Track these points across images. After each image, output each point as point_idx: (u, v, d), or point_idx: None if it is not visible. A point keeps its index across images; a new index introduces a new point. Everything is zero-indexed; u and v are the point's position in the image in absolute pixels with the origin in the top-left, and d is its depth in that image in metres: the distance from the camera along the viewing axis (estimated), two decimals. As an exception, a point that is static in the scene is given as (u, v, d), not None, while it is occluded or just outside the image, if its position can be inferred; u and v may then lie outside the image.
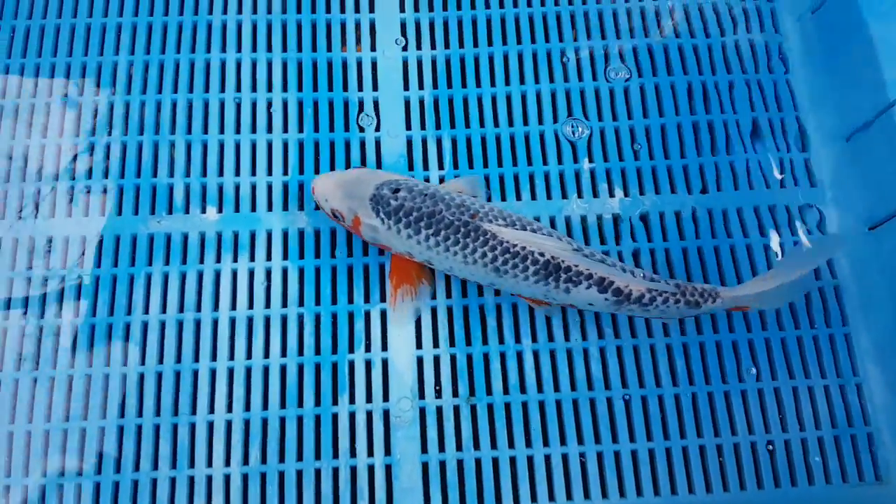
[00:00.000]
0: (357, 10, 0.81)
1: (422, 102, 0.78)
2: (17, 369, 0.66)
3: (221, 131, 0.75)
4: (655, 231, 0.74)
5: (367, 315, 0.70)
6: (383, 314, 0.70)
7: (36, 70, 0.75)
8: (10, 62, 0.76)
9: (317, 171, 0.75)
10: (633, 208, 0.75)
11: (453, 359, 0.69)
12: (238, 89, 0.76)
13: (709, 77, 0.80)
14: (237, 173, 0.74)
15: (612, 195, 0.76)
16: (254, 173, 0.74)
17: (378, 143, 0.76)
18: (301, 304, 0.70)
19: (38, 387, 0.66)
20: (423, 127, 0.77)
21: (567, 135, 0.77)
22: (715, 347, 0.71)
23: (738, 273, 0.73)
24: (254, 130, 0.75)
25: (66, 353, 0.67)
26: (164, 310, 0.69)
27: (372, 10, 0.81)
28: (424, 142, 0.76)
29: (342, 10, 0.80)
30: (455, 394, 0.68)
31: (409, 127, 0.77)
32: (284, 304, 0.70)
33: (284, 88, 0.77)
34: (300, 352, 0.69)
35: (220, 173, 0.74)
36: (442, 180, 0.75)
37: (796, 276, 0.65)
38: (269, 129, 0.76)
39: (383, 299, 0.71)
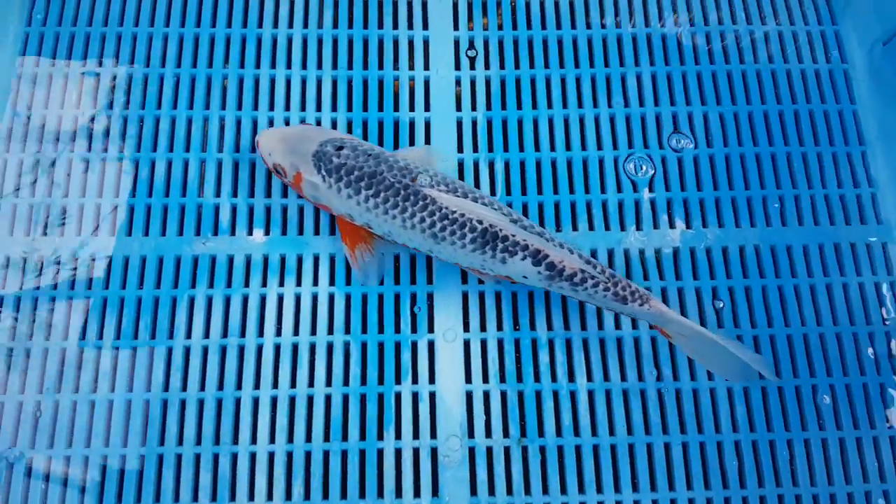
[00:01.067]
0: (410, 26, 0.78)
1: (474, 124, 0.75)
2: (57, 391, 0.64)
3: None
4: (718, 266, 0.71)
5: (414, 346, 0.68)
6: (431, 345, 0.68)
7: (79, 88, 0.74)
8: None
9: (365, 194, 0.72)
10: (696, 241, 0.72)
11: (504, 396, 0.66)
12: (287, 108, 0.74)
13: (772, 106, 0.77)
14: (284, 195, 0.72)
15: (672, 227, 0.72)
16: (301, 196, 0.72)
17: (429, 166, 0.74)
18: (347, 331, 0.68)
19: (78, 410, 0.64)
20: (475, 149, 0.75)
21: (629, 172, 0.73)
22: (777, 393, 0.67)
23: (801, 314, 0.70)
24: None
25: (107, 376, 0.65)
26: (207, 334, 0.67)
27: (426, 27, 0.78)
28: (476, 165, 0.74)
29: (395, 27, 0.78)
30: (506, 433, 0.65)
31: (460, 149, 0.74)
32: (330, 332, 0.68)
33: (334, 108, 0.75)
34: (345, 381, 0.66)
35: (268, 194, 0.72)
36: (494, 207, 0.73)
37: (732, 351, 0.61)
38: (318, 149, 0.73)
39: (431, 330, 0.68)
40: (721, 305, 0.70)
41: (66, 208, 0.69)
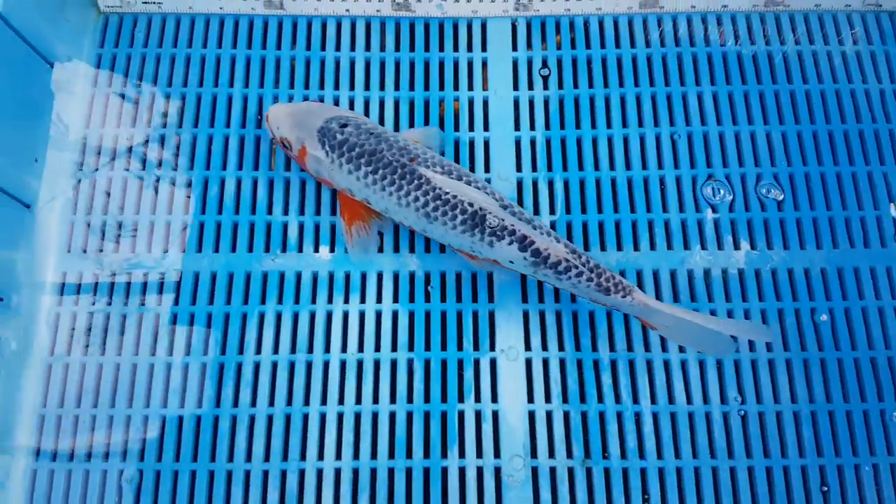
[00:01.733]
0: (469, 48, 0.79)
1: (533, 143, 0.76)
2: (128, 406, 0.66)
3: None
4: (784, 288, 0.70)
5: (477, 364, 0.68)
6: (493, 363, 0.68)
7: (150, 107, 0.77)
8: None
9: (427, 213, 0.73)
10: (761, 263, 0.71)
11: (567, 416, 0.66)
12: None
13: (837, 126, 0.76)
14: (348, 212, 0.73)
15: (737, 248, 0.72)
16: (364, 213, 0.73)
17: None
18: (411, 349, 0.69)
19: (149, 426, 0.66)
20: (534, 169, 0.75)
21: (708, 197, 0.73)
22: (845, 417, 0.66)
23: (869, 339, 0.69)
24: (365, 169, 0.75)
25: (177, 393, 0.67)
26: (276, 350, 0.68)
27: (484, 48, 0.79)
28: (535, 184, 0.74)
29: (455, 49, 0.79)
30: (569, 454, 0.65)
31: (519, 169, 0.75)
32: (394, 349, 0.69)
33: (396, 128, 0.76)
34: (409, 399, 0.67)
35: (333, 212, 0.73)
36: (553, 225, 0.73)
37: (716, 329, 0.62)
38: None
39: (493, 348, 0.69)
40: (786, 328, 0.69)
41: (137, 225, 0.72)
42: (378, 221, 0.70)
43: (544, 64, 0.78)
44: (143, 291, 0.69)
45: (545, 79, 0.77)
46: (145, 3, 0.79)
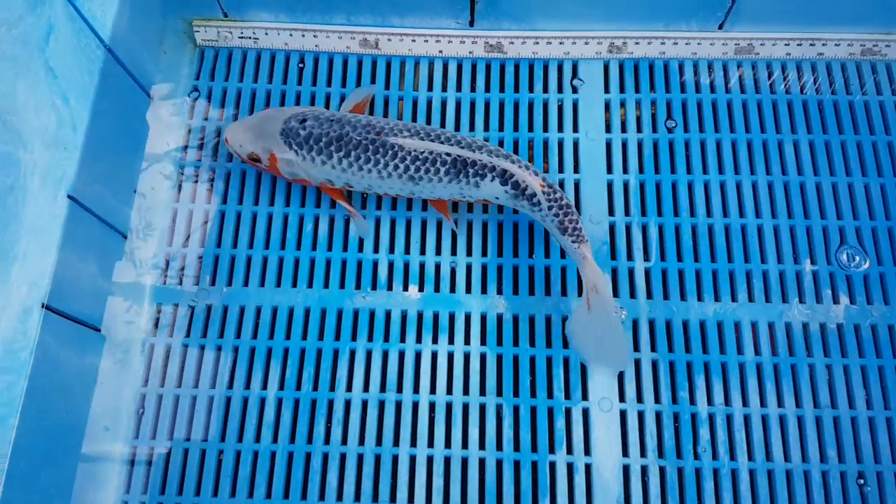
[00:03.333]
0: (560, 89, 0.79)
1: (626, 187, 0.75)
2: (220, 440, 0.67)
3: (424, 208, 0.75)
4: (884, 345, 0.68)
5: (568, 413, 0.67)
6: (585, 413, 0.67)
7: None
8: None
9: (515, 254, 0.73)
10: (861, 318, 0.69)
11: (662, 472, 0.65)
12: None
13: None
14: (438, 252, 0.73)
15: (836, 302, 0.70)
16: (454, 252, 0.73)
17: (580, 229, 0.74)
18: (499, 393, 0.68)
19: (242, 460, 0.66)
20: (626, 213, 0.74)
21: (843, 264, 0.71)
22: (957, 485, 0.64)
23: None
24: (454, 209, 0.75)
25: (269, 427, 0.67)
26: (366, 388, 0.68)
27: (575, 90, 0.79)
28: (629, 229, 0.73)
29: (545, 90, 0.79)
30: (666, 511, 0.64)
31: (612, 213, 0.74)
32: (482, 392, 0.68)
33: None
34: (499, 446, 0.66)
35: (422, 251, 0.73)
36: (648, 272, 0.72)
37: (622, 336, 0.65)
38: (469, 209, 0.75)
39: (585, 397, 0.68)
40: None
41: (234, 258, 0.73)
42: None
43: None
44: (238, 325, 0.70)
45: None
46: (241, 37, 0.80)
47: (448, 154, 0.66)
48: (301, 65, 0.80)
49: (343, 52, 0.80)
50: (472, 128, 0.78)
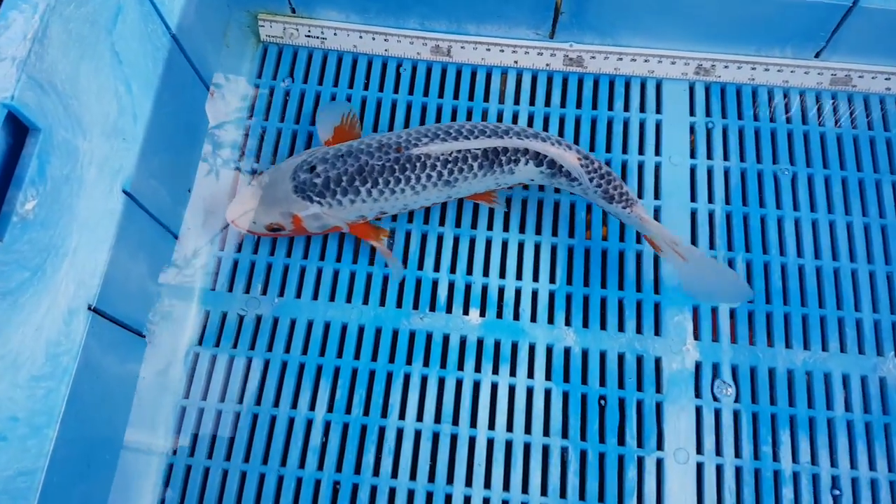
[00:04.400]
0: (642, 109, 0.74)
1: (711, 217, 0.70)
2: (263, 463, 0.62)
3: (490, 227, 0.70)
4: None
5: (641, 462, 0.62)
6: (659, 463, 0.62)
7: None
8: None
9: (586, 283, 0.68)
10: (967, 380, 0.63)
11: (743, 533, 0.59)
12: (525, 187, 0.71)
13: None
14: (502, 275, 0.68)
15: (938, 358, 0.64)
16: (519, 276, 0.68)
17: (657, 259, 0.68)
18: (564, 435, 0.63)
19: (284, 485, 0.61)
20: (711, 246, 0.69)
21: None
22: None
23: None
24: (522, 230, 0.70)
25: (315, 452, 0.62)
26: (419, 416, 0.63)
27: (658, 110, 0.74)
28: (711, 264, 0.68)
29: (626, 109, 0.74)
30: (747, 579, 0.58)
31: (694, 243, 0.69)
32: (546, 433, 0.63)
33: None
34: (562, 493, 0.61)
35: (485, 272, 0.68)
36: (732, 313, 0.66)
37: (718, 274, 0.63)
38: (538, 231, 0.70)
39: (660, 447, 0.62)
40: None
41: (287, 267, 0.68)
42: (386, 241, 0.67)
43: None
44: (288, 338, 0.66)
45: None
46: (308, 36, 0.76)
47: (477, 148, 0.62)
48: (368, 70, 0.76)
49: (413, 57, 0.76)
50: (545, 145, 0.73)
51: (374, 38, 0.75)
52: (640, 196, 0.71)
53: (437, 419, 0.63)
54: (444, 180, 0.63)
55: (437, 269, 0.68)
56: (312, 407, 0.64)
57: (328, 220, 0.63)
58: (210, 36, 0.73)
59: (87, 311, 0.53)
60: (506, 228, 0.70)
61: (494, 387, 0.64)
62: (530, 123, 0.74)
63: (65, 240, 0.50)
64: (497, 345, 0.66)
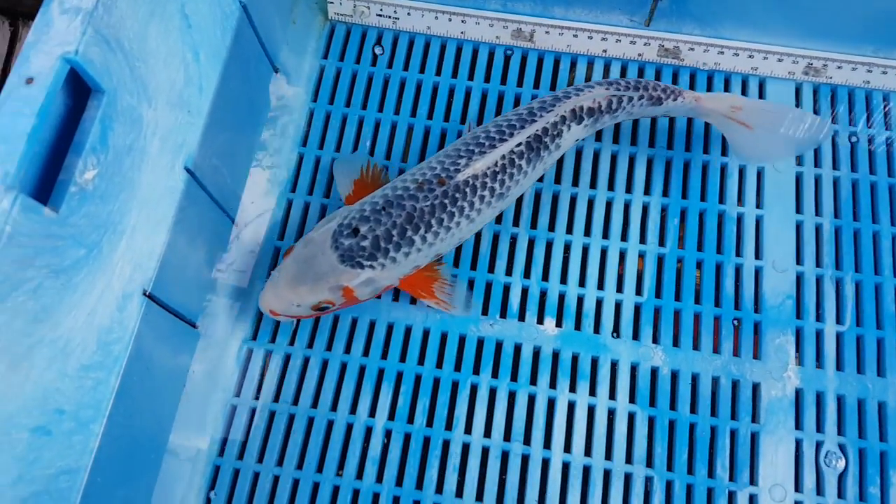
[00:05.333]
0: (742, 109, 0.68)
1: (818, 231, 0.63)
2: (318, 471, 0.57)
3: (569, 230, 0.64)
4: None
5: (732, 497, 0.55)
6: (752, 500, 0.55)
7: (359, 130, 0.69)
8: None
9: (678, 297, 0.62)
10: None
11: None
12: (611, 188, 0.65)
13: None
14: (581, 283, 0.62)
15: None
16: (601, 286, 0.62)
17: (758, 274, 0.62)
18: (649, 464, 0.57)
19: (340, 496, 0.56)
20: (818, 264, 0.62)
21: None
22: None
23: None
24: (605, 235, 0.64)
25: (374, 462, 0.57)
26: (487, 432, 0.58)
27: (761, 111, 0.68)
28: (819, 283, 0.61)
29: (725, 107, 0.68)
30: None
31: (799, 261, 0.62)
32: (628, 460, 0.57)
33: (661, 191, 0.65)
34: (644, 526, 0.55)
35: (563, 279, 0.63)
36: (839, 338, 0.60)
37: (787, 120, 0.59)
38: (623, 237, 0.64)
39: (754, 481, 0.56)
40: None
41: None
42: (446, 268, 0.60)
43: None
44: (348, 338, 0.61)
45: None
46: (380, 15, 0.71)
47: (518, 145, 0.57)
48: (442, 53, 0.71)
49: (491, 42, 0.70)
50: (633, 142, 0.67)
51: (450, 20, 0.70)
52: (740, 203, 0.64)
53: (507, 437, 0.58)
54: (498, 194, 0.57)
55: (509, 272, 0.63)
56: (372, 413, 0.58)
57: (381, 282, 0.56)
58: (278, 10, 0.68)
59: (142, 297, 0.49)
60: (587, 233, 0.64)
61: (571, 405, 0.59)
62: (618, 123, 0.68)
63: (123, 216, 0.46)
64: (575, 359, 0.60)
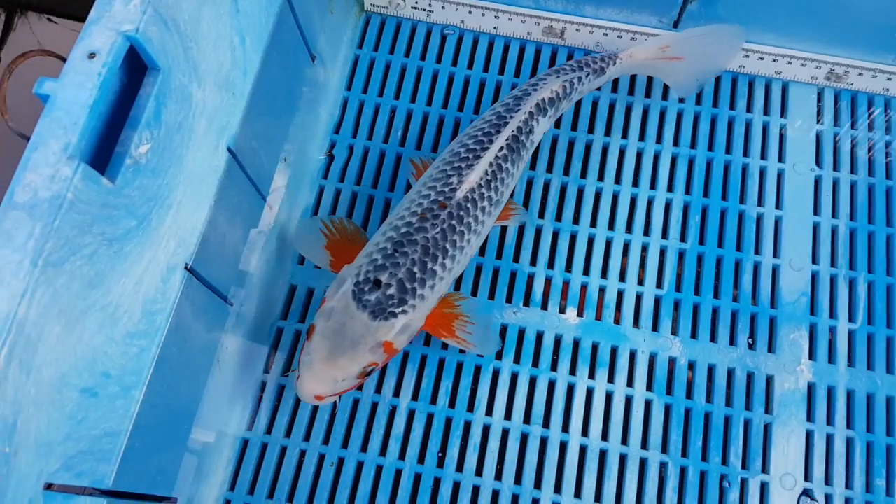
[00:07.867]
0: (766, 111, 0.69)
1: (834, 233, 0.65)
2: (343, 446, 0.59)
3: (593, 223, 0.66)
4: None
5: (744, 484, 0.57)
6: (763, 487, 0.57)
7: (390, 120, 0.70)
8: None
9: (697, 291, 0.63)
10: None
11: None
12: (635, 184, 0.67)
13: None
14: (604, 274, 0.64)
15: None
16: (622, 277, 0.64)
17: (775, 272, 0.64)
18: (664, 450, 0.58)
19: (364, 472, 0.58)
20: (832, 264, 0.64)
21: None
22: None
23: None
24: (628, 229, 0.65)
25: (398, 440, 0.59)
26: (507, 415, 0.60)
27: (783, 114, 0.69)
28: (833, 282, 0.63)
29: (748, 110, 0.69)
30: None
31: (815, 260, 0.64)
32: (644, 446, 0.59)
33: (684, 189, 0.67)
34: (659, 511, 0.57)
35: (586, 270, 0.64)
36: (851, 335, 0.61)
37: (711, 41, 0.64)
38: (646, 231, 0.65)
39: (765, 469, 0.57)
40: None
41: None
42: (468, 302, 0.58)
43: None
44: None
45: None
46: (415, 8, 0.73)
47: (501, 149, 0.58)
48: (474, 48, 0.73)
49: (522, 38, 0.72)
50: (658, 140, 0.69)
51: (483, 14, 0.72)
52: (759, 203, 0.66)
53: (527, 419, 0.59)
54: (495, 201, 0.58)
55: (533, 262, 0.65)
56: (397, 393, 0.60)
57: (415, 324, 0.54)
58: (317, -1, 0.70)
59: (184, 271, 0.50)
60: (611, 227, 0.66)
61: (590, 392, 0.60)
62: (644, 118, 0.70)
63: (171, 191, 0.47)
64: (595, 348, 0.62)
